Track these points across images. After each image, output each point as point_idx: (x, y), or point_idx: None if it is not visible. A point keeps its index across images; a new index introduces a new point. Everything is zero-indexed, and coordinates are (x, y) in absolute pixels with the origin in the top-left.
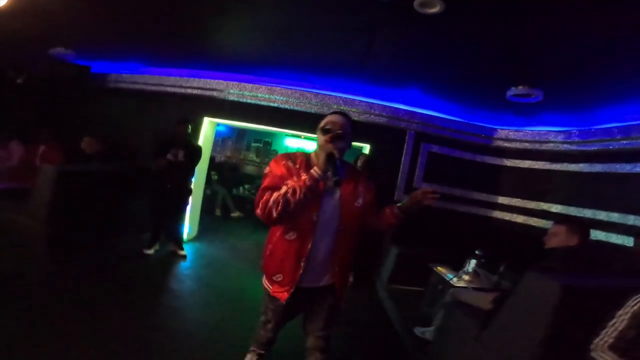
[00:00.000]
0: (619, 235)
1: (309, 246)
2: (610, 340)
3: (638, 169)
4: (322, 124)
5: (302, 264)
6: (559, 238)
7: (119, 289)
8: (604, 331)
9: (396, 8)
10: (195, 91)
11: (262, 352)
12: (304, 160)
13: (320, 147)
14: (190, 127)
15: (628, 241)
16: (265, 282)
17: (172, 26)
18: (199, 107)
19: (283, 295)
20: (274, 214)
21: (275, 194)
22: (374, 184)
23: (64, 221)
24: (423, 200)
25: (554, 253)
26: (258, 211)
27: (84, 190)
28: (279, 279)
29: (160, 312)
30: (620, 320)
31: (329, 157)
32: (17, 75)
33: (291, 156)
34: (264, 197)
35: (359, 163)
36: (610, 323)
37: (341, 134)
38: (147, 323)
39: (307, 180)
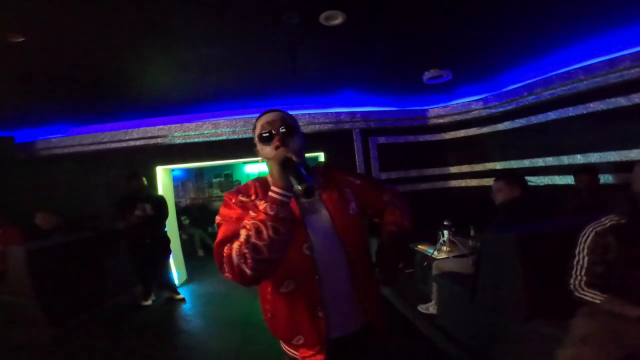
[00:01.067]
0: (561, 176)
1: (317, 290)
2: (585, 278)
3: (550, 117)
4: (256, 132)
5: (320, 314)
6: (502, 193)
7: (133, 340)
8: (574, 271)
9: (305, 25)
10: (137, 142)
11: None
12: (259, 186)
13: (270, 161)
14: (143, 179)
15: (570, 179)
16: (285, 348)
17: (92, 80)
18: (146, 156)
19: (317, 358)
20: (247, 271)
21: (236, 245)
22: (358, 174)
23: (49, 293)
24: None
25: (502, 207)
26: (226, 274)
27: (58, 261)
28: (301, 342)
29: (179, 352)
30: (581, 257)
31: (284, 164)
32: None
33: (241, 189)
34: (225, 254)
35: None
36: (575, 262)
37: (286, 131)
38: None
39: (267, 209)
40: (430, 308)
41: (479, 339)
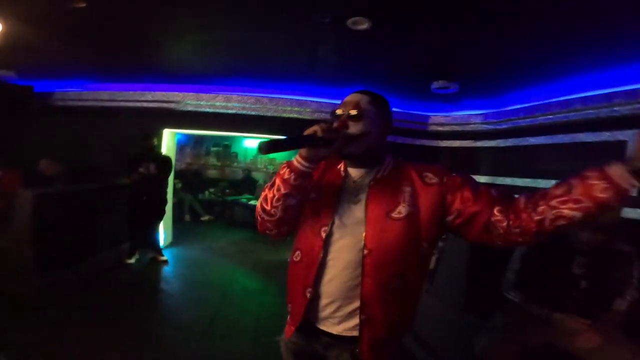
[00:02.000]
0: None
1: (315, 274)
2: (513, 280)
3: (540, 142)
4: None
5: (307, 295)
6: None
7: (114, 295)
8: (507, 274)
9: (333, 25)
10: (151, 104)
11: None
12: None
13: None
14: (155, 140)
15: None
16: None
17: (121, 44)
18: (157, 119)
19: (289, 329)
20: (258, 218)
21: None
22: (443, 172)
23: (46, 241)
24: None
25: None
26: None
27: (60, 211)
28: (290, 309)
29: (158, 310)
30: (514, 262)
31: (310, 138)
32: None
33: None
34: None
35: None
36: (509, 266)
37: (355, 115)
38: (150, 320)
39: (285, 171)
40: None
41: (428, 327)
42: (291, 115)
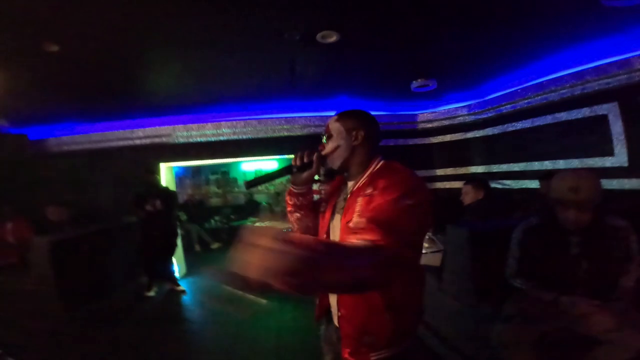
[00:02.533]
0: (532, 180)
1: None
2: (516, 268)
3: (525, 125)
4: None
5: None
6: (470, 195)
7: (139, 327)
8: (509, 262)
9: (303, 42)
10: (143, 140)
11: None
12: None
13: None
14: (158, 175)
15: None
16: None
17: (103, 87)
18: (151, 154)
19: (317, 312)
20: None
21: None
22: (389, 186)
23: (67, 282)
24: None
25: (469, 208)
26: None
27: (75, 253)
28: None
29: (182, 338)
30: (514, 250)
31: (293, 167)
32: None
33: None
34: None
35: (322, 171)
36: (509, 254)
37: (327, 136)
38: (175, 348)
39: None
40: None
41: (445, 322)
42: (281, 134)
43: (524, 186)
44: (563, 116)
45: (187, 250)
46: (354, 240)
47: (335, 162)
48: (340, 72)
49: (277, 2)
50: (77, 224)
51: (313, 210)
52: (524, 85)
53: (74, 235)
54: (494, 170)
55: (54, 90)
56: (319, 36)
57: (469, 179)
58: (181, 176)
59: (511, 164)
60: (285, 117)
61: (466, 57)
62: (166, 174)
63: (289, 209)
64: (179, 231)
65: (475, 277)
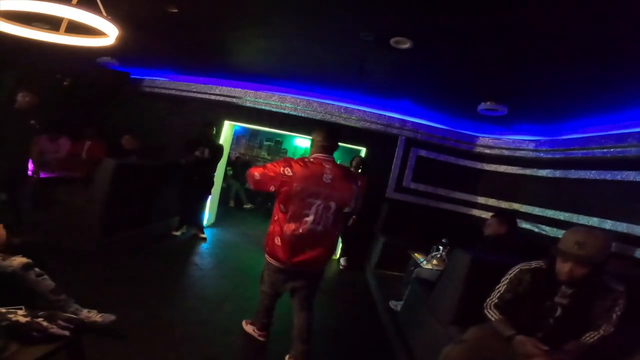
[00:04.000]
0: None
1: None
2: (495, 300)
3: (590, 176)
4: (320, 138)
5: (292, 240)
6: (491, 227)
7: (154, 260)
8: (493, 293)
9: (377, 44)
10: (217, 97)
11: (255, 328)
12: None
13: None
14: (214, 129)
15: None
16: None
17: (199, 45)
18: (220, 111)
19: (279, 263)
20: (253, 181)
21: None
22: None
23: (115, 206)
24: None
25: (486, 239)
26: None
27: (132, 181)
28: (275, 252)
29: (186, 279)
30: (503, 284)
31: None
32: (63, 78)
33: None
34: (251, 173)
35: (354, 163)
36: (497, 287)
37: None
38: (176, 287)
39: None
40: (399, 306)
41: (415, 335)
42: (338, 121)
43: (559, 235)
44: (632, 175)
45: (222, 203)
46: None
47: None
48: (408, 78)
49: (357, 4)
50: (143, 155)
51: None
52: (602, 134)
53: (137, 164)
54: (536, 213)
55: (160, 43)
56: (392, 41)
57: (496, 211)
58: (239, 135)
59: (557, 211)
60: (345, 107)
61: (545, 90)
62: (227, 130)
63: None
64: (218, 183)
65: (460, 299)
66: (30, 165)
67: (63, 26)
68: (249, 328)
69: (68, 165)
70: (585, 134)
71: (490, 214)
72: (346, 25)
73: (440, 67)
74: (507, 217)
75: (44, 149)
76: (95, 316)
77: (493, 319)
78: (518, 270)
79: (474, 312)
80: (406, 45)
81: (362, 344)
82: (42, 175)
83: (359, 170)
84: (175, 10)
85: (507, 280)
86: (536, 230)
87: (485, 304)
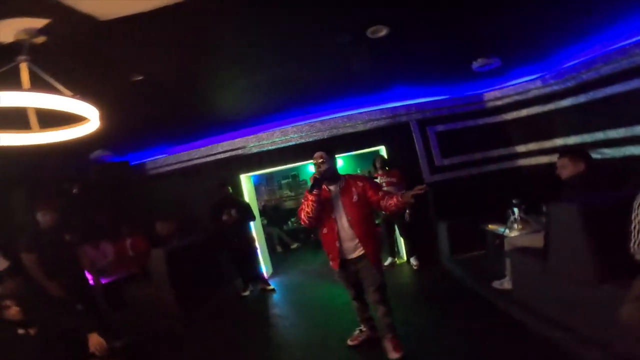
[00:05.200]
0: (636, 146)
1: (336, 234)
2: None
3: (616, 90)
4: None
5: (337, 244)
6: (568, 169)
7: (240, 324)
8: (632, 235)
9: (355, 40)
10: (223, 155)
11: (364, 328)
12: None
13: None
14: (229, 187)
15: None
16: (330, 262)
17: (184, 110)
18: (231, 166)
19: (335, 265)
20: (307, 222)
21: (303, 207)
22: (367, 179)
23: (181, 286)
24: (413, 196)
25: (569, 182)
26: (301, 222)
27: (185, 260)
28: (331, 257)
29: (278, 332)
30: (637, 221)
31: (314, 179)
32: (71, 186)
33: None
34: (299, 213)
35: (377, 164)
36: (632, 227)
37: (321, 162)
38: (274, 343)
39: (310, 198)
40: (505, 284)
41: (554, 305)
42: (345, 131)
43: (628, 153)
44: None
45: (271, 251)
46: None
47: (329, 174)
48: (394, 64)
49: (323, 5)
50: (181, 235)
51: (322, 201)
52: (604, 52)
53: (182, 245)
54: (587, 141)
55: (144, 118)
56: (369, 32)
57: (563, 151)
58: (256, 184)
59: (607, 131)
60: (347, 115)
61: (530, 28)
62: (246, 183)
63: (311, 199)
64: (261, 235)
65: (594, 256)
66: (89, 275)
67: (33, 120)
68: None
69: (122, 266)
70: (587, 57)
71: (542, 157)
72: (319, 33)
73: (422, 42)
74: (579, 152)
75: (91, 257)
76: None
77: None
78: None
79: (618, 262)
80: (383, 32)
81: (492, 337)
82: (104, 281)
83: (386, 168)
84: (141, 77)
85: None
86: (600, 156)
87: (632, 250)
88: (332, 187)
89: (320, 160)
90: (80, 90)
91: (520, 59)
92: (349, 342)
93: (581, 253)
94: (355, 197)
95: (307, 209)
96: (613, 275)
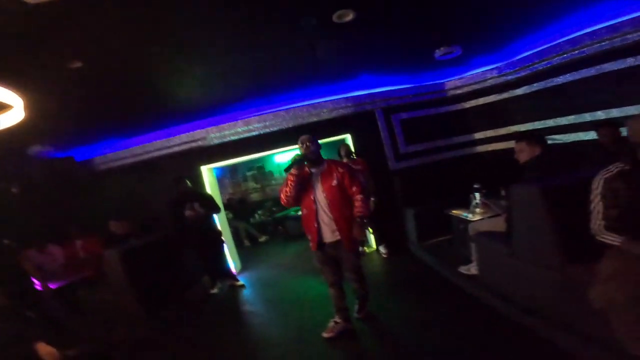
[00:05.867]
0: (585, 132)
1: (316, 215)
2: (603, 222)
3: (567, 79)
4: (299, 142)
5: (316, 225)
6: (525, 152)
7: (209, 324)
8: (592, 216)
9: (320, 25)
10: (181, 147)
11: (339, 319)
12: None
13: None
14: (188, 181)
15: (594, 134)
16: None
17: (140, 98)
18: (190, 159)
19: (314, 246)
20: (284, 200)
21: (283, 187)
22: (348, 168)
23: (143, 288)
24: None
25: (527, 165)
26: (282, 202)
27: (145, 260)
28: (310, 238)
29: (251, 330)
30: (596, 202)
31: (302, 157)
32: (9, 185)
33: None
34: (280, 193)
35: (342, 152)
36: (591, 208)
37: (309, 143)
38: (248, 340)
39: (292, 172)
40: (472, 269)
41: (522, 290)
42: (311, 120)
43: (577, 139)
44: (607, 67)
45: (239, 246)
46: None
47: (314, 157)
48: (360, 51)
49: None
50: (139, 234)
51: (302, 181)
52: (556, 42)
53: (140, 244)
54: (539, 127)
55: (88, 109)
56: (335, 17)
57: (519, 136)
58: (220, 176)
59: (557, 118)
60: (312, 103)
61: (489, 18)
62: (208, 176)
63: (291, 180)
64: (223, 228)
65: (558, 237)
66: (35, 281)
67: None
68: None
69: (73, 269)
70: (540, 47)
71: (499, 143)
72: (283, 17)
73: (387, 29)
74: (534, 137)
75: (38, 262)
76: None
77: (617, 242)
78: (603, 181)
79: (582, 244)
80: (349, 17)
81: (462, 322)
82: (53, 286)
83: (352, 156)
84: (80, 65)
85: (599, 196)
86: (551, 142)
87: (593, 232)
88: (314, 170)
89: (307, 144)
90: (10, 78)
91: (479, 49)
92: (324, 335)
93: (545, 235)
94: (334, 182)
95: (286, 188)
96: (578, 257)
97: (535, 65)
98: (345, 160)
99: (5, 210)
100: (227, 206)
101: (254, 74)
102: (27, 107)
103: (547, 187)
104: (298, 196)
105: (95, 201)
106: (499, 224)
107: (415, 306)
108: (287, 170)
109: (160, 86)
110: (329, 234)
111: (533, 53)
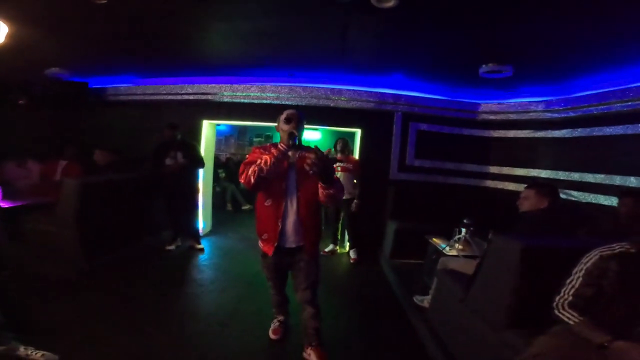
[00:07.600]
0: (606, 196)
1: (282, 210)
2: (570, 298)
3: (617, 132)
4: (283, 117)
5: (279, 223)
6: (530, 201)
7: (148, 282)
8: (563, 289)
9: (357, 5)
10: (191, 96)
11: (281, 317)
12: (271, 146)
13: (283, 131)
14: (177, 132)
15: (615, 201)
16: (259, 243)
17: (161, 42)
18: (196, 110)
19: (269, 249)
20: (252, 180)
21: (253, 166)
22: (320, 151)
23: (91, 227)
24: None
25: (526, 216)
26: (241, 179)
27: (106, 198)
28: (265, 238)
29: (185, 299)
30: (576, 277)
31: (291, 134)
32: (18, 96)
33: (263, 147)
34: (245, 170)
35: (338, 146)
36: (568, 281)
37: (298, 121)
38: (175, 309)
39: (275, 152)
40: (425, 301)
41: (457, 340)
42: (327, 104)
43: (594, 201)
44: None
45: (219, 208)
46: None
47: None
48: (397, 45)
49: None
50: (121, 169)
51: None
52: (623, 87)
53: (108, 179)
54: (561, 178)
55: (106, 43)
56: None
57: (531, 182)
58: (227, 135)
59: (585, 173)
60: (332, 88)
61: (554, 44)
62: (208, 130)
63: (272, 161)
64: (206, 188)
65: (514, 300)
66: None
67: None
68: None
69: (40, 191)
70: (604, 89)
71: (509, 183)
72: None
73: (433, 28)
74: (548, 189)
75: (11, 175)
76: (35, 355)
77: (572, 322)
78: (597, 257)
79: (534, 312)
80: (391, 2)
81: (391, 349)
82: (5, 204)
83: (345, 153)
84: (104, 1)
85: (584, 271)
86: (564, 197)
87: (555, 304)
88: (291, 154)
89: (296, 121)
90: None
91: (532, 75)
92: (272, 337)
93: (504, 294)
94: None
95: (262, 164)
96: (521, 323)
97: (591, 108)
98: (338, 155)
99: (9, 122)
100: (224, 165)
101: (278, 43)
102: (52, 33)
103: (530, 246)
104: (270, 180)
105: (98, 128)
106: (469, 267)
107: (356, 320)
108: (291, 147)
109: (183, 36)
110: (292, 237)
111: (594, 94)
